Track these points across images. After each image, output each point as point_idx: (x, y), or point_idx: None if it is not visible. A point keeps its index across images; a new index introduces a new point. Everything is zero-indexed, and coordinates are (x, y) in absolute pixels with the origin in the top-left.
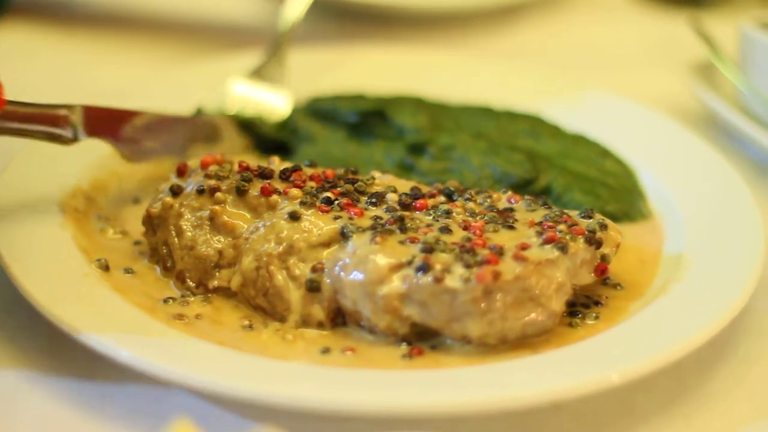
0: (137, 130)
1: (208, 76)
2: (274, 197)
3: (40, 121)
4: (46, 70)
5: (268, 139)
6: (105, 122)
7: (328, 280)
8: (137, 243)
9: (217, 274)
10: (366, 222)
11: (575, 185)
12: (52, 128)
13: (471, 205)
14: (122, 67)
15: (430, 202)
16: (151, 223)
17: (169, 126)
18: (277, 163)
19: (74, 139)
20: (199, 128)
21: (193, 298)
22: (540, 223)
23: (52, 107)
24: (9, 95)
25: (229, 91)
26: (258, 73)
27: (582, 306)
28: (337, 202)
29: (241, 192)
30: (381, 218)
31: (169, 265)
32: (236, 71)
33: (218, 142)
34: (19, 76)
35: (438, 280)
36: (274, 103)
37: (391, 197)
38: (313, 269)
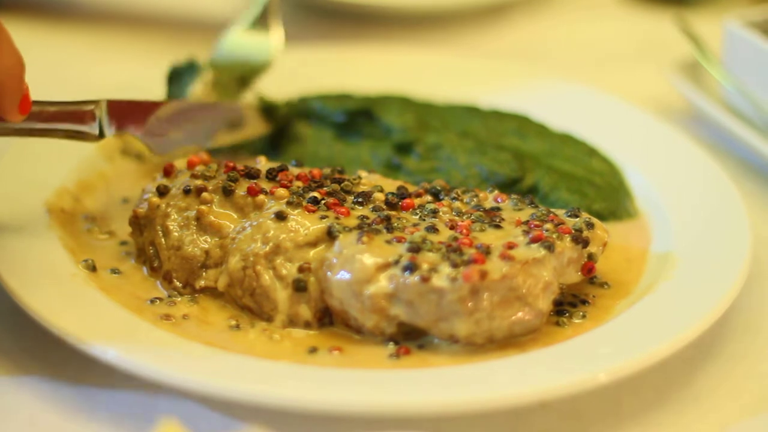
0: (162, 122)
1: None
2: (261, 197)
3: (67, 120)
4: (38, 66)
5: (284, 122)
6: (130, 116)
7: (314, 280)
8: (124, 243)
9: (203, 274)
10: (352, 221)
11: (562, 184)
12: (79, 126)
13: (457, 204)
14: (116, 62)
15: (417, 201)
16: (138, 223)
17: (192, 115)
18: (263, 163)
19: (101, 136)
20: (222, 115)
21: (180, 299)
22: (527, 222)
23: (77, 104)
24: None
25: (222, 42)
26: (250, 21)
27: (569, 305)
28: (323, 201)
29: (227, 192)
30: (367, 218)
31: (156, 265)
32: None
33: (241, 128)
34: None
35: (425, 279)
36: (267, 46)
37: (378, 197)
38: (300, 269)
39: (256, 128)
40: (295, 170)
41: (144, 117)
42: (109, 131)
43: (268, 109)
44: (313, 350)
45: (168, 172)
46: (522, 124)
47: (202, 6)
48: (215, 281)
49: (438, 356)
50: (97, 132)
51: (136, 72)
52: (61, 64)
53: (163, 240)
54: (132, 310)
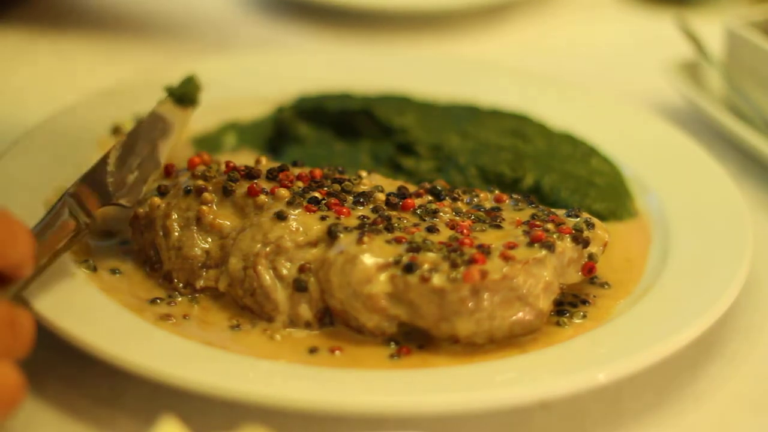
0: (115, 174)
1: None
2: (261, 197)
3: (62, 236)
4: (36, 71)
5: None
6: (95, 192)
7: (315, 280)
8: (124, 243)
9: (204, 274)
10: (353, 221)
11: (562, 184)
12: (73, 234)
13: (458, 204)
14: (114, 67)
15: (417, 201)
16: (139, 223)
17: (130, 147)
18: (264, 163)
19: (92, 223)
20: (152, 131)
21: (180, 299)
22: (527, 222)
23: (54, 218)
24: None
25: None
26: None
27: (569, 305)
28: (324, 201)
29: (227, 192)
30: (368, 218)
31: (156, 265)
32: (225, 69)
33: (173, 129)
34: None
35: (425, 279)
36: None
37: (378, 197)
38: (301, 269)
39: (182, 119)
40: (295, 170)
41: (103, 183)
42: (93, 215)
43: (179, 96)
44: (314, 350)
45: (168, 172)
46: (522, 123)
47: (197, 11)
48: (216, 281)
49: (439, 356)
50: (88, 224)
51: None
52: (55, 68)
53: (163, 240)
54: (132, 310)
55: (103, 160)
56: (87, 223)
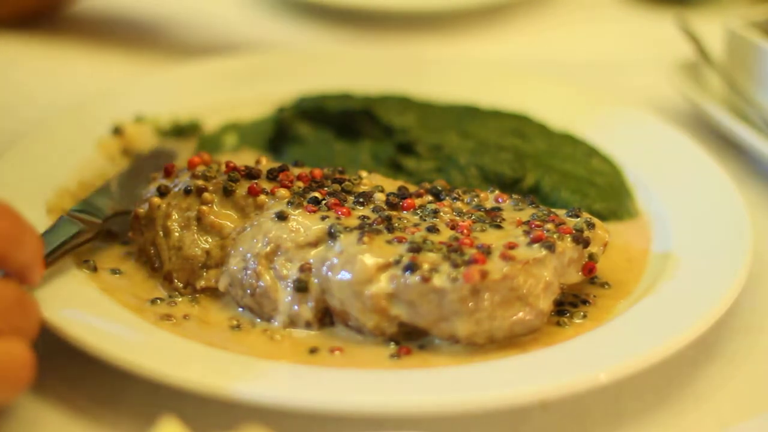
0: (120, 191)
1: (196, 77)
2: (262, 197)
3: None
4: (30, 74)
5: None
6: (100, 207)
7: (315, 280)
8: (125, 243)
9: (204, 274)
10: (353, 222)
11: (562, 184)
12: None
13: (458, 204)
14: (110, 69)
15: (418, 201)
16: (139, 223)
17: (135, 171)
18: (264, 163)
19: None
20: (155, 159)
21: (180, 299)
22: (527, 222)
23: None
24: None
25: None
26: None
27: (570, 305)
28: (324, 201)
29: (228, 192)
30: (368, 218)
31: (156, 265)
32: (223, 72)
33: (178, 154)
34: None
35: (425, 279)
36: None
37: (379, 197)
38: (301, 269)
39: (187, 147)
40: (295, 170)
41: (105, 200)
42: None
43: (177, 131)
44: (314, 350)
45: (169, 172)
46: (522, 124)
47: (194, 13)
48: (216, 281)
49: (439, 356)
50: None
51: (126, 78)
52: (49, 71)
53: (163, 240)
54: (133, 310)
55: (106, 184)
56: (94, 223)
